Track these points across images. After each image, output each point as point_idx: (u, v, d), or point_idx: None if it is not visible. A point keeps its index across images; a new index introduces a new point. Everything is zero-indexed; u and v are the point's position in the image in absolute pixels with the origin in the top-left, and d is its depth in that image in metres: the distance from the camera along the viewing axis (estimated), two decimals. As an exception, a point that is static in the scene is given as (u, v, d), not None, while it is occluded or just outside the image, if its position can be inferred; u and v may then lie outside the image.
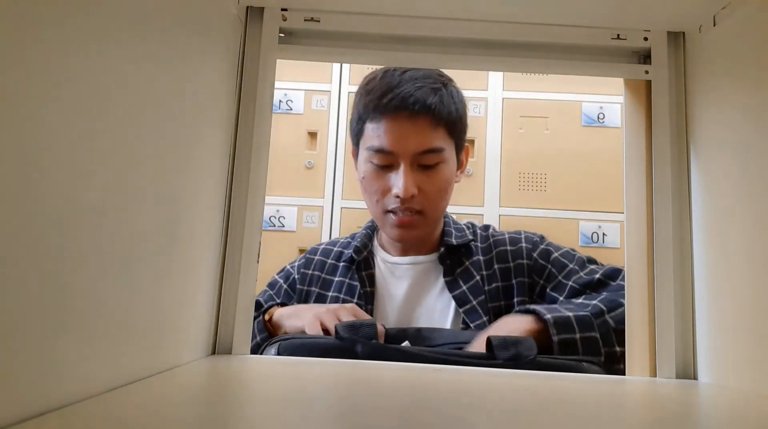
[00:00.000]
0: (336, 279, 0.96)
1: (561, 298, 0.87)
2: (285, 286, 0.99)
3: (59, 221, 0.30)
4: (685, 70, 0.67)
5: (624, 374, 0.65)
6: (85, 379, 0.34)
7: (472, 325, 0.86)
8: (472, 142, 1.75)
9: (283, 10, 0.67)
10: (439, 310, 0.92)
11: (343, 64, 1.80)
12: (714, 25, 0.61)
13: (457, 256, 0.94)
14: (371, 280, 0.95)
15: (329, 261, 0.99)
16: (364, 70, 0.96)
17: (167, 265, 0.46)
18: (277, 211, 1.73)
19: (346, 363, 0.60)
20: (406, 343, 0.74)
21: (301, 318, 0.81)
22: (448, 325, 0.90)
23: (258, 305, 0.87)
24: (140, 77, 0.39)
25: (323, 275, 0.98)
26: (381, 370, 0.56)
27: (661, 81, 0.66)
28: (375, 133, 0.88)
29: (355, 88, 0.96)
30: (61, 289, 0.31)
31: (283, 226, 1.73)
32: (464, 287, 0.90)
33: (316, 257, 1.01)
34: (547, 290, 0.90)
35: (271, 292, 1.00)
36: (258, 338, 0.83)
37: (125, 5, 0.37)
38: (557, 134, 1.75)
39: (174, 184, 0.47)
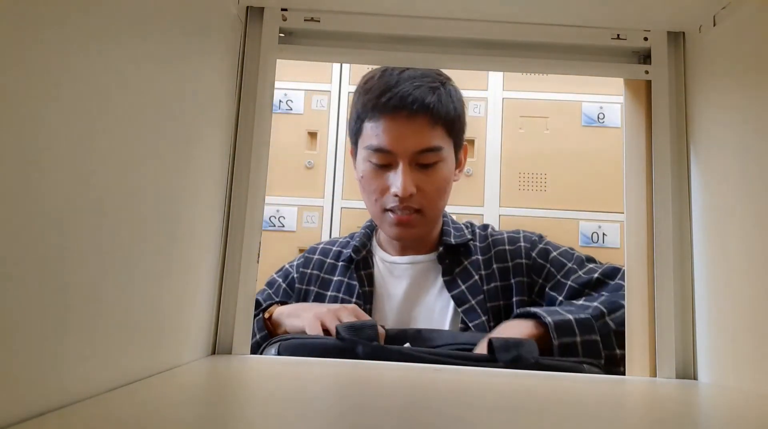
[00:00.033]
0: (335, 278, 0.96)
1: (560, 298, 0.87)
2: (284, 285, 0.99)
3: (59, 221, 0.30)
4: (685, 70, 0.67)
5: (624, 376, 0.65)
6: (85, 379, 0.34)
7: (470, 324, 0.86)
8: (472, 142, 1.75)
9: (283, 10, 0.67)
10: (437, 310, 0.92)
11: (343, 64, 1.80)
12: (714, 25, 0.61)
13: (456, 255, 0.94)
14: (370, 279, 0.95)
15: (328, 260, 0.99)
16: (364, 70, 0.96)
17: (167, 265, 0.46)
18: (277, 211, 1.73)
19: (346, 363, 0.60)
20: (407, 345, 0.74)
21: (301, 318, 0.81)
22: (446, 325, 0.90)
23: (257, 304, 0.87)
24: (140, 77, 0.39)
25: (322, 274, 0.98)
26: (381, 370, 0.56)
27: (661, 81, 0.66)
28: (373, 132, 0.88)
29: (354, 88, 0.97)
30: (61, 289, 0.31)
31: (283, 226, 1.73)
32: (463, 287, 0.90)
33: (315, 256, 1.01)
34: (546, 289, 0.90)
35: (270, 291, 1.00)
36: (257, 336, 0.83)
37: (125, 5, 0.37)
38: (557, 134, 1.75)
39: (174, 184, 0.47)
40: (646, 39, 0.67)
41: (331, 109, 1.79)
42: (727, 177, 0.58)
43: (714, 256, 0.60)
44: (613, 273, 0.87)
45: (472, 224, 1.01)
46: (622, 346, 0.66)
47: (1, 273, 0.26)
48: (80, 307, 0.33)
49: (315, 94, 1.80)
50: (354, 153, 0.97)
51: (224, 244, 0.63)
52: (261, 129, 0.65)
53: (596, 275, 0.87)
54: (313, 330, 0.76)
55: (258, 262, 0.64)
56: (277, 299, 0.96)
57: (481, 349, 0.72)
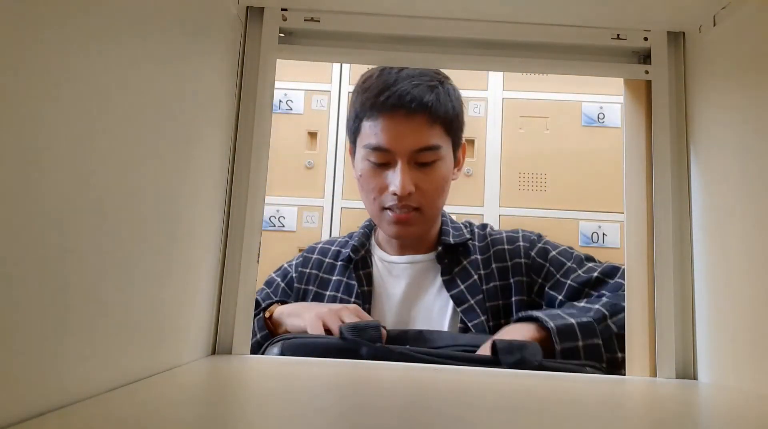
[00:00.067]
0: (333, 278, 0.96)
1: (560, 297, 0.87)
2: (282, 285, 0.99)
3: (59, 221, 0.30)
4: (685, 70, 0.67)
5: (624, 377, 0.65)
6: (85, 379, 0.34)
7: (469, 324, 0.86)
8: (472, 142, 1.76)
9: (283, 10, 0.67)
10: (436, 310, 0.92)
11: (343, 64, 1.80)
12: (714, 25, 0.61)
13: (455, 255, 0.94)
14: (369, 279, 0.95)
15: (327, 260, 0.99)
16: (364, 69, 0.96)
17: (167, 265, 0.46)
18: (277, 211, 1.73)
19: (346, 363, 0.60)
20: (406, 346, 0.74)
21: (302, 317, 0.81)
22: (445, 324, 0.90)
23: (255, 304, 0.87)
24: (140, 77, 0.39)
25: (321, 274, 0.98)
26: (381, 370, 0.56)
27: (661, 81, 0.67)
28: (372, 131, 0.88)
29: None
30: (61, 289, 0.31)
31: (283, 226, 1.73)
32: (462, 286, 0.90)
33: (314, 256, 1.01)
34: (546, 289, 0.89)
35: (269, 291, 1.00)
36: (258, 336, 0.83)
37: (125, 5, 0.37)
38: (557, 134, 1.75)
39: (174, 184, 0.47)
40: (646, 39, 0.67)
41: (331, 109, 1.79)
42: (727, 177, 0.58)
43: (714, 256, 0.60)
44: (613, 272, 0.87)
45: (470, 224, 1.01)
46: (624, 349, 0.66)
47: (1, 273, 0.26)
48: (80, 307, 0.33)
49: (315, 94, 1.80)
50: (352, 152, 0.97)
51: (224, 244, 0.63)
52: (261, 129, 0.65)
53: (596, 274, 0.87)
54: (315, 330, 0.76)
55: (258, 262, 0.64)
56: (276, 299, 0.96)
57: (484, 351, 0.72)
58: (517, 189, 1.73)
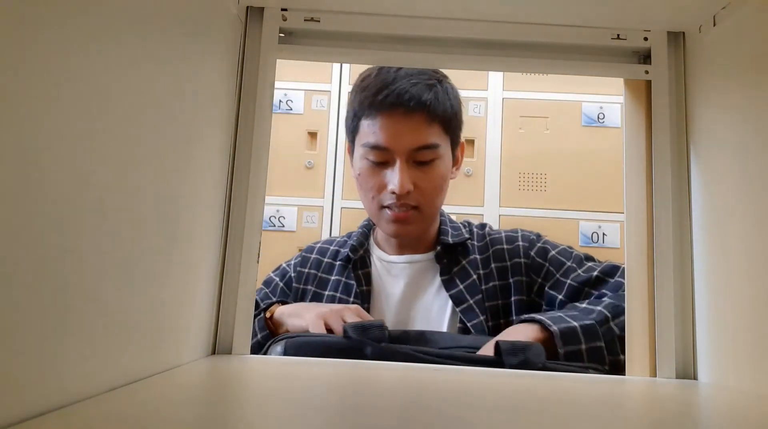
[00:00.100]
0: (332, 278, 0.96)
1: (560, 297, 0.87)
2: (281, 284, 0.99)
3: (59, 221, 0.30)
4: (685, 70, 0.67)
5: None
6: (85, 379, 0.34)
7: (468, 324, 0.86)
8: (472, 141, 1.76)
9: (283, 10, 0.67)
10: (435, 309, 0.91)
11: (343, 64, 1.80)
12: (714, 25, 0.61)
13: (454, 254, 0.94)
14: (367, 278, 0.95)
15: (325, 259, 0.99)
16: (364, 69, 0.96)
17: (167, 265, 0.46)
18: (277, 211, 1.73)
19: (346, 363, 0.60)
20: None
21: (303, 317, 0.81)
22: (445, 324, 0.90)
23: (255, 304, 0.87)
24: (140, 77, 0.39)
25: (319, 274, 0.98)
26: (381, 370, 0.56)
27: (661, 81, 0.67)
28: (370, 130, 0.88)
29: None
30: (61, 289, 0.31)
31: (283, 226, 1.73)
32: (461, 286, 0.90)
33: (313, 256, 1.01)
34: (546, 288, 0.89)
35: (267, 290, 1.00)
36: (259, 336, 0.83)
37: (125, 5, 0.37)
38: (557, 134, 1.75)
39: (174, 184, 0.47)
40: (646, 39, 0.67)
41: (331, 109, 1.79)
42: (727, 177, 0.58)
43: (714, 256, 0.60)
44: (613, 271, 0.87)
45: (469, 223, 1.01)
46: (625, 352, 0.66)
47: (1, 273, 0.26)
48: (80, 307, 0.33)
49: (315, 94, 1.80)
50: (351, 151, 0.97)
51: (224, 244, 0.63)
52: (261, 129, 0.65)
53: (596, 273, 0.87)
54: (317, 330, 0.76)
55: (258, 262, 0.64)
56: (275, 298, 0.96)
57: (486, 351, 0.72)
58: (517, 189, 1.73)
